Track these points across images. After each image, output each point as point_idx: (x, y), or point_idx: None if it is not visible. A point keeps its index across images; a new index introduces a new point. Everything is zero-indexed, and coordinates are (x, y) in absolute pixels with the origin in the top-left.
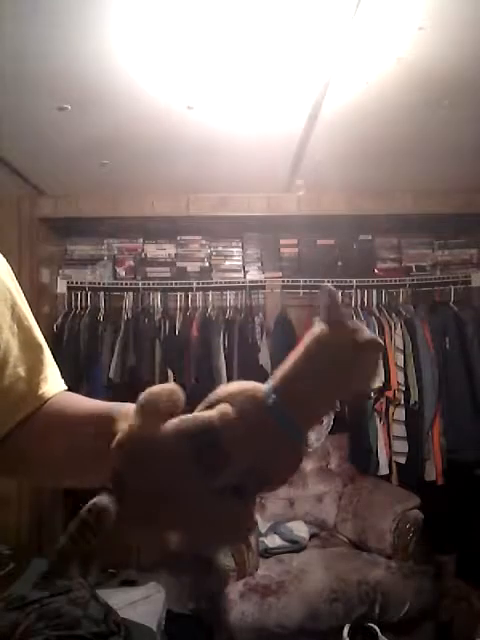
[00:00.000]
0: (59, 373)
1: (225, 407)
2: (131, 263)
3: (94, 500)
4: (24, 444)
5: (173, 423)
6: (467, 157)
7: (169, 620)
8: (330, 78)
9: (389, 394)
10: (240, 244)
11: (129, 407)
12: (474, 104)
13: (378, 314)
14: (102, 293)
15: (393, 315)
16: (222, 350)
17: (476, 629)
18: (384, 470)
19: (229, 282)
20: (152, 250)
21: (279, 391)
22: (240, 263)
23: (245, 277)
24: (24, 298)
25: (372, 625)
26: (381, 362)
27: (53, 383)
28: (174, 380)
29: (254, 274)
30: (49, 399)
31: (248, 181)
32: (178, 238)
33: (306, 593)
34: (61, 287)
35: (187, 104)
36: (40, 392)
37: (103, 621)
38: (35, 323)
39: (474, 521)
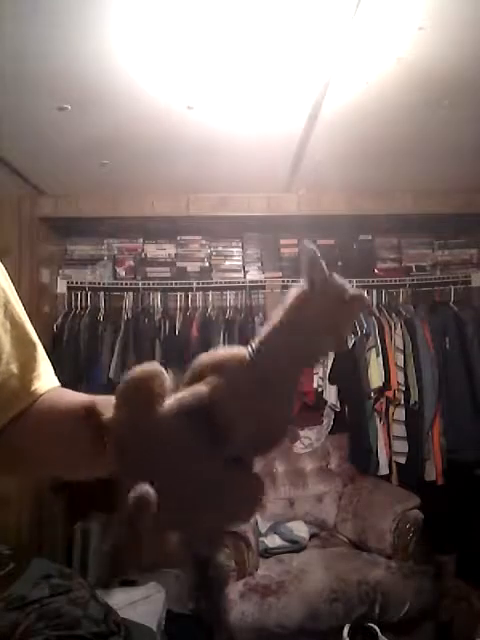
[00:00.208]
0: (52, 370)
1: (214, 379)
2: (131, 263)
3: (136, 488)
4: (17, 441)
5: (169, 406)
6: (467, 157)
7: (169, 620)
8: (330, 78)
9: (389, 394)
10: (240, 244)
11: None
12: (474, 104)
13: (378, 314)
14: (102, 293)
15: (393, 315)
16: None
17: (476, 629)
18: (384, 470)
19: (229, 282)
20: (152, 250)
21: (262, 349)
22: (240, 263)
23: (245, 277)
24: (17, 295)
25: (372, 625)
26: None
27: (46, 380)
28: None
29: (254, 274)
30: (41, 395)
31: (248, 181)
32: (178, 238)
33: (306, 593)
34: (61, 287)
35: (187, 104)
36: (32, 388)
37: (103, 621)
38: (28, 320)
39: (474, 521)
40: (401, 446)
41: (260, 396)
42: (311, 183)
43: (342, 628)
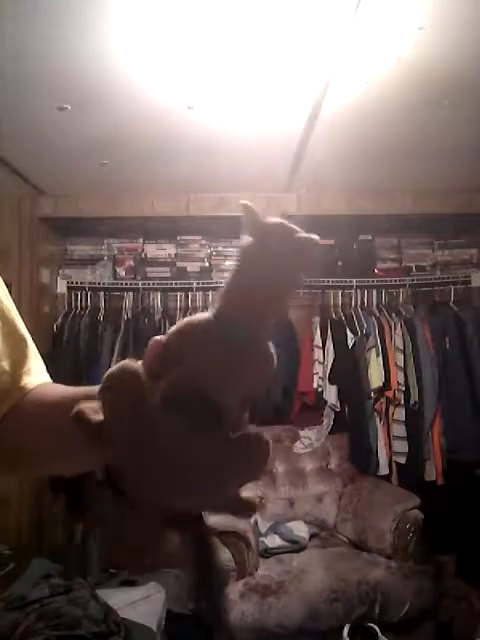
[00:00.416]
0: (44, 366)
1: (186, 359)
2: (131, 263)
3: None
4: (9, 437)
5: (154, 397)
6: (467, 157)
7: (169, 620)
8: (330, 78)
9: (389, 394)
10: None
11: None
12: (474, 104)
13: (378, 314)
14: (102, 293)
15: (393, 315)
16: None
17: (476, 629)
18: (384, 470)
19: None
20: (152, 250)
21: (221, 309)
22: None
23: None
24: (7, 291)
25: (372, 625)
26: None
27: (36, 375)
28: None
29: None
30: (31, 390)
31: (248, 181)
32: (178, 238)
33: (306, 593)
34: (61, 287)
35: (187, 104)
36: (22, 384)
37: (103, 621)
38: (19, 316)
39: (474, 521)
40: (401, 446)
41: (234, 355)
42: (311, 183)
43: (342, 628)
